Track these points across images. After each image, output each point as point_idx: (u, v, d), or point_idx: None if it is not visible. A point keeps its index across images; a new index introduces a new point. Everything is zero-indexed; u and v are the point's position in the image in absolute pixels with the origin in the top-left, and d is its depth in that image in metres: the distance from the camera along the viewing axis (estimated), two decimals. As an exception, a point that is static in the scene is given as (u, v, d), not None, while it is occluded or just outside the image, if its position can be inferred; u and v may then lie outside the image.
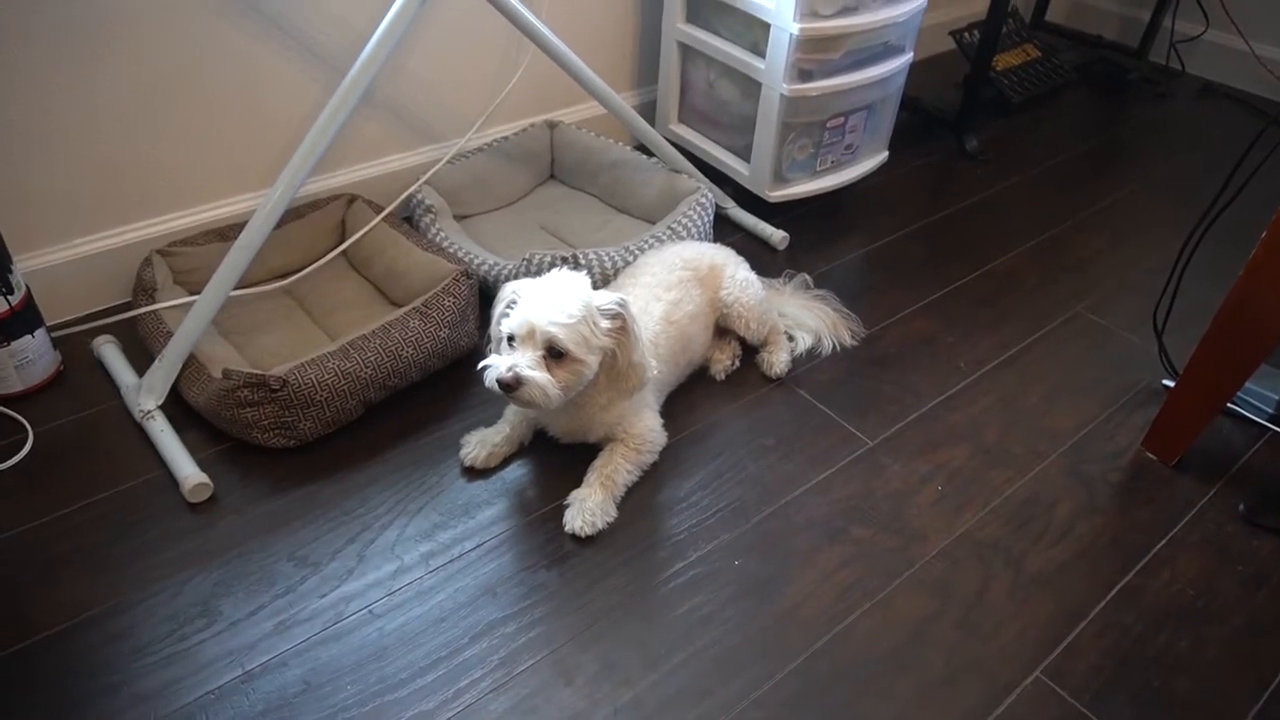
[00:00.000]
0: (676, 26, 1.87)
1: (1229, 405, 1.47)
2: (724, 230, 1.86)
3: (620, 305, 1.18)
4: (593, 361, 1.17)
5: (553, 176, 1.96)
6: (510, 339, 1.15)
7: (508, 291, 1.19)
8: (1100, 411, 1.50)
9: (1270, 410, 1.46)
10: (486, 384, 1.14)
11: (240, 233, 1.35)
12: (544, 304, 1.13)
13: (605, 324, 1.17)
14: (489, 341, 1.24)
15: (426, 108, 1.80)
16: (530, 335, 1.13)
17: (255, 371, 1.25)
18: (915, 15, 1.77)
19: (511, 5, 1.45)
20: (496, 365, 1.13)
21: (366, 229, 1.60)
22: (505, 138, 1.87)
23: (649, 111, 2.10)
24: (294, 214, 1.63)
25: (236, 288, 1.37)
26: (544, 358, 1.13)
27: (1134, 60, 2.69)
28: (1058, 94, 2.58)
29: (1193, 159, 2.29)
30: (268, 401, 1.25)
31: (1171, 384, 1.54)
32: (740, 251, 1.59)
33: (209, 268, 1.37)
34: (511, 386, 1.12)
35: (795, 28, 1.60)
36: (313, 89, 1.63)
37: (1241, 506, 1.33)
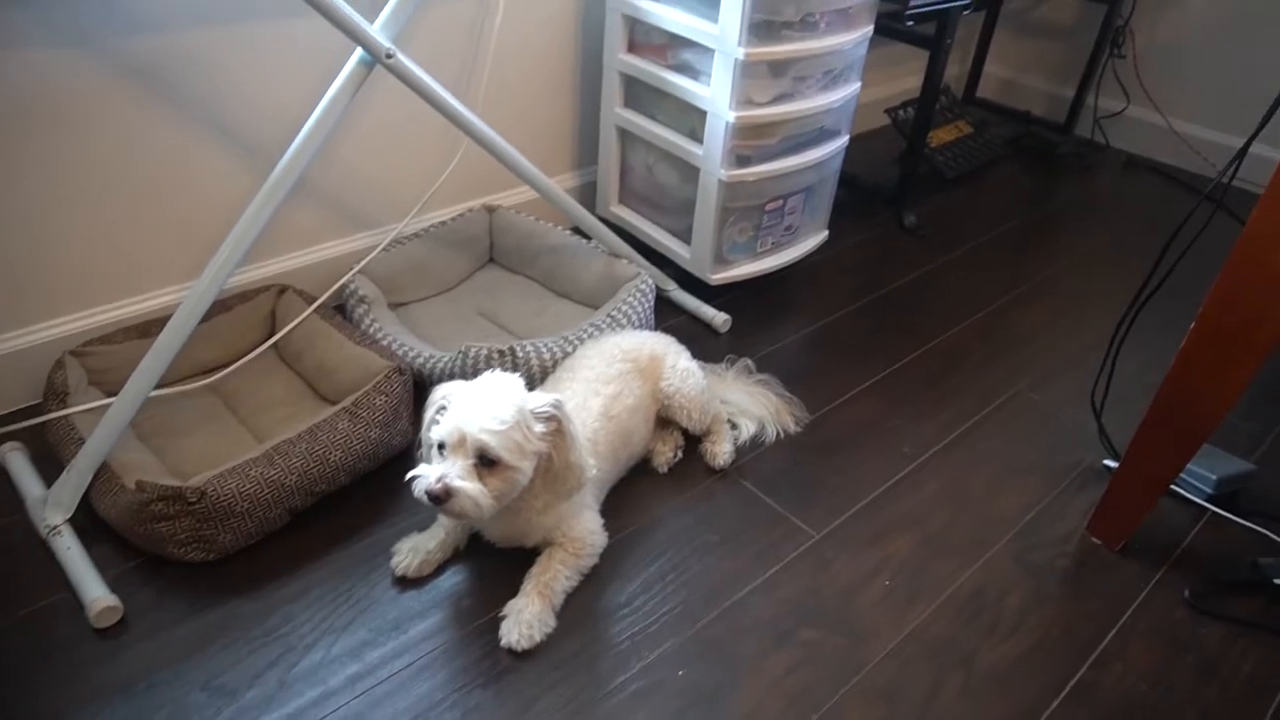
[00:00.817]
0: (615, 111, 1.87)
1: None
2: (666, 313, 1.85)
3: (554, 407, 1.14)
4: (527, 467, 1.13)
5: (492, 260, 1.93)
6: (440, 446, 1.11)
7: (438, 396, 1.14)
8: (1045, 494, 1.49)
9: (1209, 490, 1.47)
10: (415, 495, 1.09)
11: (163, 329, 1.29)
12: (475, 410, 1.09)
13: (539, 428, 1.13)
14: (419, 447, 1.19)
15: (361, 194, 1.77)
16: (461, 443, 1.08)
17: (170, 484, 1.18)
18: (850, 100, 1.80)
19: (443, 99, 1.43)
20: (426, 476, 1.09)
21: (297, 321, 1.55)
22: (443, 223, 1.84)
23: (589, 193, 2.10)
24: (221, 306, 1.57)
25: (157, 387, 1.31)
26: (475, 466, 1.09)
27: (1061, 135, 2.78)
28: (991, 168, 2.64)
29: (1121, 231, 2.36)
30: (184, 514, 1.18)
31: (1113, 464, 1.55)
32: (682, 334, 1.57)
33: (128, 367, 1.30)
34: (441, 499, 1.07)
35: (731, 116, 1.61)
36: (242, 179, 1.59)
37: (1187, 592, 1.33)
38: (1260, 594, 1.33)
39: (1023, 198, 2.52)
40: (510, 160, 1.56)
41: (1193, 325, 1.19)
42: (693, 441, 1.52)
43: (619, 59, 1.81)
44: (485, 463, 1.09)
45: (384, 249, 1.72)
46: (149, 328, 1.50)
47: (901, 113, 2.49)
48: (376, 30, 1.29)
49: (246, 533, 1.24)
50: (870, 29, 1.74)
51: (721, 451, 1.48)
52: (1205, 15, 2.57)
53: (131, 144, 1.45)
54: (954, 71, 3.03)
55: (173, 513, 1.18)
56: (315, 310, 1.57)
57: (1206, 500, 1.47)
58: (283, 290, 1.64)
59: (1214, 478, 1.47)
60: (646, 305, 1.66)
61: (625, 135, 1.91)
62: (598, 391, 1.35)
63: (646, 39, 1.77)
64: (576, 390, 1.35)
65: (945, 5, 1.93)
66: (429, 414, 1.15)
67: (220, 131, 1.54)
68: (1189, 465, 1.49)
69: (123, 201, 1.48)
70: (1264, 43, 2.48)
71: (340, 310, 1.65)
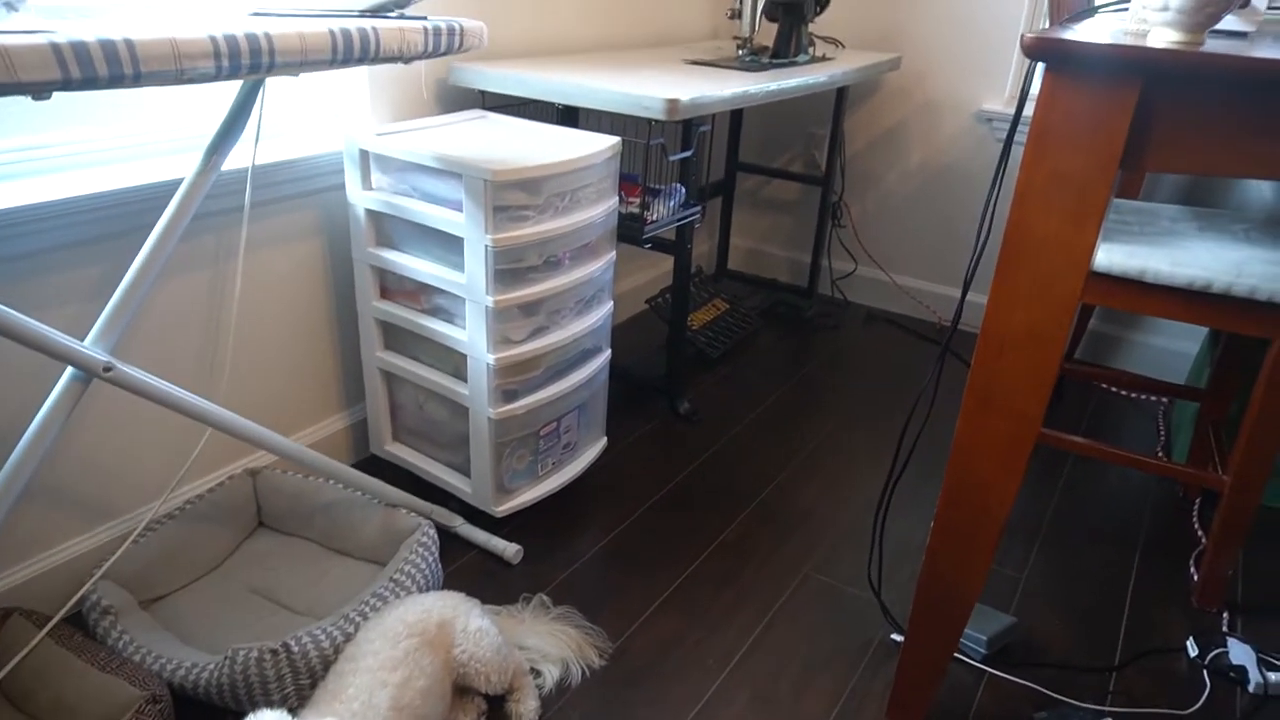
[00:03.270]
0: (376, 355, 1.86)
1: (950, 653, 1.57)
2: (456, 550, 1.80)
3: (330, 736, 1.05)
4: (305, 815, 1.02)
5: (262, 524, 1.81)
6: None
7: (193, 752, 1.03)
8: (846, 682, 1.54)
9: (983, 650, 1.58)
10: None
11: None
12: (236, 768, 0.98)
13: (314, 767, 1.03)
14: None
15: (99, 483, 1.62)
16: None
17: None
18: (605, 319, 1.89)
19: (177, 399, 1.35)
20: None
21: (24, 653, 1.36)
22: (200, 496, 1.71)
23: (362, 431, 2.04)
24: (-73, 650, 1.36)
25: None
26: (242, 833, 0.97)
27: (807, 298, 3.05)
28: (750, 340, 2.84)
29: (872, 383, 2.59)
30: None
31: (899, 638, 1.63)
32: (475, 571, 1.53)
33: None
34: None
35: (490, 358, 1.64)
36: (-55, 500, 1.40)
37: (983, 766, 1.40)
38: (1044, 751, 1.42)
39: (783, 365, 2.72)
40: (260, 440, 1.49)
41: (932, 524, 1.30)
42: (496, 700, 1.46)
43: (373, 305, 1.81)
44: (253, 826, 0.98)
45: (132, 542, 1.56)
46: None
47: (661, 300, 2.64)
48: (90, 344, 1.21)
49: None
50: (613, 254, 1.85)
51: (526, 711, 1.42)
52: (899, 189, 2.96)
53: None
54: (704, 249, 3.28)
55: None
56: (47, 634, 1.39)
57: (982, 661, 1.58)
58: (5, 615, 1.44)
59: (984, 638, 1.58)
60: (431, 559, 1.60)
61: (391, 376, 1.89)
62: (384, 682, 1.27)
63: (399, 285, 1.78)
64: (361, 685, 1.26)
65: (678, 222, 2.09)
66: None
67: (-86, 454, 1.37)
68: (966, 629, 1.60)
69: None
70: (944, 209, 2.89)
71: (82, 624, 1.47)
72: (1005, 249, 1.11)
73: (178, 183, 1.53)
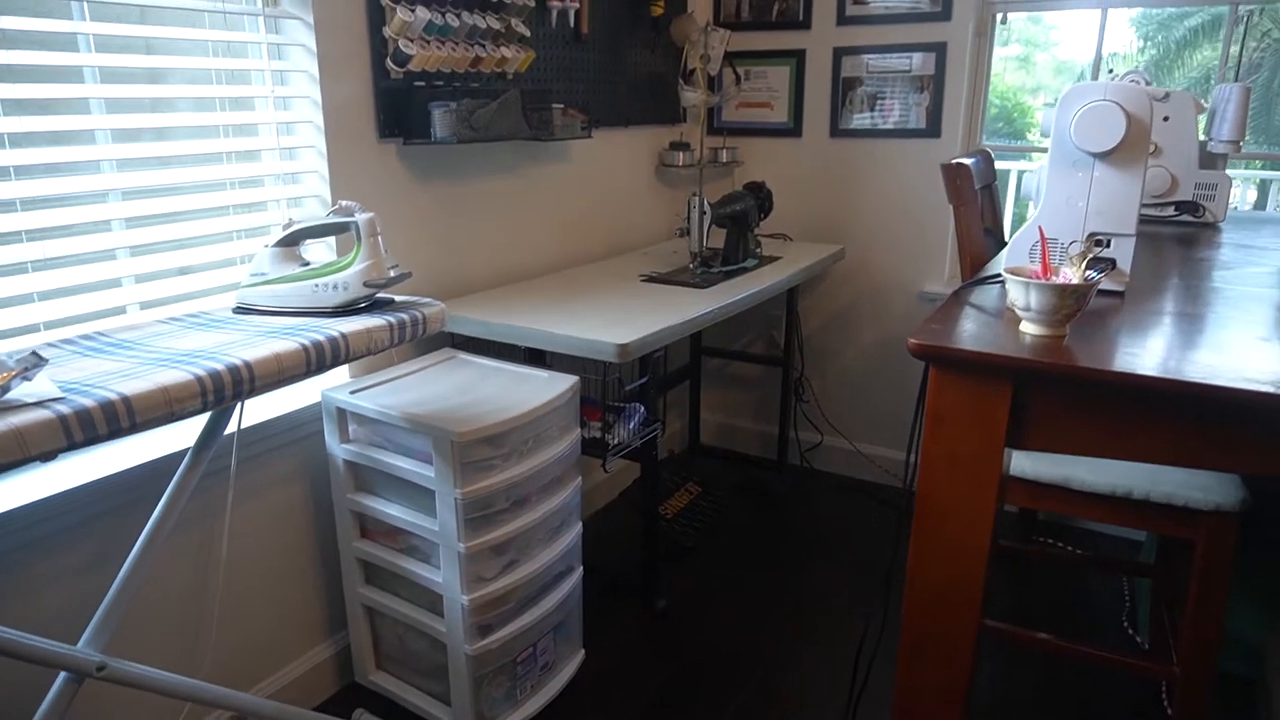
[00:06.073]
0: (358, 590, 1.94)
1: None
2: (440, 784, 1.83)
3: None
4: None
5: (247, 771, 1.84)
6: None
7: None
8: None
9: None
10: None
11: None
12: None
13: None
14: None
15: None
16: None
17: None
18: (576, 541, 1.98)
19: (175, 687, 1.43)
20: None
21: None
22: (187, 749, 1.75)
23: (346, 658, 2.10)
24: None
25: None
26: None
27: (777, 472, 3.16)
28: (724, 522, 2.93)
29: (844, 562, 2.66)
30: None
31: None
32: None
33: None
34: None
35: (465, 599, 1.72)
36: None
37: None
38: None
39: (758, 547, 2.79)
40: (253, 709, 1.55)
41: (887, 761, 1.36)
42: None
43: (353, 545, 1.90)
44: None
45: (118, 808, 1.60)
46: None
47: (633, 490, 2.74)
48: (83, 646, 1.29)
49: None
50: (579, 480, 1.97)
51: None
52: (856, 364, 3.13)
53: None
54: (675, 428, 3.41)
55: None
56: None
57: None
58: None
59: None
60: (413, 806, 1.64)
61: (372, 610, 1.96)
62: None
63: (377, 526, 1.88)
64: None
65: (641, 440, 2.22)
66: None
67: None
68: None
69: None
70: (899, 381, 3.05)
71: None
72: (917, 517, 1.22)
73: (165, 459, 1.65)
